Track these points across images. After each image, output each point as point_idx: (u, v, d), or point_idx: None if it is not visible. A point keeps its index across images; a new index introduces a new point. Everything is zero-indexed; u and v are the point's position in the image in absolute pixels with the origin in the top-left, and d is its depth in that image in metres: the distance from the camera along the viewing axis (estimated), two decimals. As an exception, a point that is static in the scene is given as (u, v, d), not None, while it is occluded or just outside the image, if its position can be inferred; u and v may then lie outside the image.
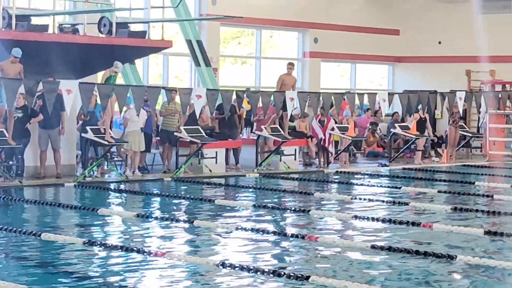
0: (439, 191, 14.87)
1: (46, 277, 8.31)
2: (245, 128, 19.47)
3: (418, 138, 20.15)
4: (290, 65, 18.77)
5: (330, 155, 18.81)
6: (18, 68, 14.90)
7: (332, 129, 18.73)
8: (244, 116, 19.19)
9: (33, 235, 10.14)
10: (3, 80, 14.29)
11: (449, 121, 20.73)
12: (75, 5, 18.18)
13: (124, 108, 15.96)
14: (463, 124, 21.71)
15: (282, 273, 8.26)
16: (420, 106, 19.77)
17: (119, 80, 17.02)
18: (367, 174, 17.66)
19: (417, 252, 9.31)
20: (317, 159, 19.04)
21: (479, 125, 22.87)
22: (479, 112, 22.24)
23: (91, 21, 16.44)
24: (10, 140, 14.73)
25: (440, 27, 24.80)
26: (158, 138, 17.50)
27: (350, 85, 25.39)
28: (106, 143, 15.69)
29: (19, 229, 10.39)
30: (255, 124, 18.86)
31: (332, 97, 18.48)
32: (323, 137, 18.69)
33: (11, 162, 15.12)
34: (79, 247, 9.61)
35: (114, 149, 16.34)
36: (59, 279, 8.22)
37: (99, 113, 16.00)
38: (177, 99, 16.75)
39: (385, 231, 11.05)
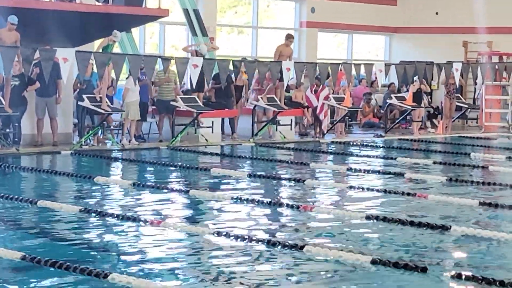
0: (434, 162, 14.92)
1: (43, 244, 8.36)
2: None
3: (414, 109, 20.17)
4: (290, 38, 18.74)
5: (321, 123, 18.78)
6: (14, 36, 14.86)
7: (327, 98, 18.72)
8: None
9: (29, 202, 10.19)
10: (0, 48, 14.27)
11: (444, 92, 20.74)
12: (71, -28, 18.07)
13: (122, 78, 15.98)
14: (459, 95, 21.73)
15: (277, 242, 8.32)
16: (416, 77, 19.77)
17: (115, 49, 16.99)
18: (362, 145, 17.71)
19: (412, 223, 9.37)
20: (313, 129, 19.08)
21: (475, 96, 22.89)
22: (476, 84, 22.26)
23: (87, -12, 16.38)
24: (7, 107, 14.75)
25: (438, -3, 24.75)
26: (154, 107, 17.52)
27: (347, 55, 25.36)
28: (103, 111, 15.70)
29: (16, 196, 10.44)
30: (252, 93, 18.85)
31: (329, 68, 18.48)
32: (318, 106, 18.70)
33: (8, 130, 15.15)
34: (76, 215, 9.67)
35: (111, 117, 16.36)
36: (55, 246, 8.28)
37: (95, 81, 15.99)
38: (174, 68, 16.74)
39: (380, 201, 11.11)
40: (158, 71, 16.94)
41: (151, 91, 17.39)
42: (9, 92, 14.85)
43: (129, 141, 16.30)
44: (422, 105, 20.58)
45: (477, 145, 17.96)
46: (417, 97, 20.22)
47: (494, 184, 12.50)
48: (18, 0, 14.99)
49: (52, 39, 15.37)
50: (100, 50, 15.94)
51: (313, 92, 18.88)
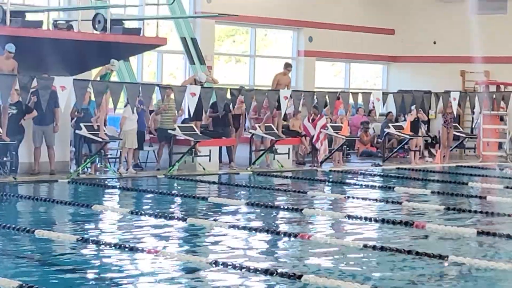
0: (432, 192, 14.90)
1: (40, 273, 8.32)
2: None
3: (412, 138, 20.18)
4: (288, 67, 18.81)
5: (317, 152, 18.77)
6: (12, 64, 14.89)
7: (324, 127, 18.71)
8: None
9: (27, 231, 10.14)
10: (-3, 76, 14.28)
11: (442, 121, 20.74)
12: (69, 1, 18.17)
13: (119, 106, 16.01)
14: (456, 124, 21.75)
15: (275, 272, 8.28)
16: (413, 107, 19.79)
17: (113, 78, 17.03)
18: (360, 174, 17.69)
19: (410, 252, 9.34)
20: (311, 158, 19.06)
21: (473, 125, 22.91)
22: (473, 113, 22.29)
23: (85, 17, 16.41)
24: (4, 136, 14.73)
25: (435, 27, 24.84)
26: (152, 135, 17.52)
27: (345, 84, 25.40)
28: (100, 140, 15.69)
29: (13, 225, 10.40)
30: (249, 122, 18.87)
31: (327, 96, 18.51)
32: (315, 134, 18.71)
33: (5, 158, 15.12)
34: (73, 244, 9.62)
35: (108, 146, 16.35)
36: (52, 275, 8.23)
37: (93, 110, 15.99)
38: (172, 96, 16.75)
39: (377, 230, 11.08)
40: (157, 100, 16.95)
41: (148, 119, 17.41)
42: (7, 120, 14.84)
43: (127, 170, 16.28)
44: (420, 134, 20.59)
45: (475, 175, 17.94)
46: (415, 126, 20.24)
47: (492, 213, 12.47)
48: (16, 29, 15.02)
49: (50, 67, 15.39)
50: (98, 79, 15.96)
51: (310, 121, 18.90)
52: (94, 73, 16.70)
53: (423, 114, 20.45)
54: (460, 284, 8.35)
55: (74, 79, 14.95)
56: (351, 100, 19.15)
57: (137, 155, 17.19)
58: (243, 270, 8.43)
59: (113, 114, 17.21)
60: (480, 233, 10.65)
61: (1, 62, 14.80)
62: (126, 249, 9.30)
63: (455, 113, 20.40)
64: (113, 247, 9.43)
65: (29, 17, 15.82)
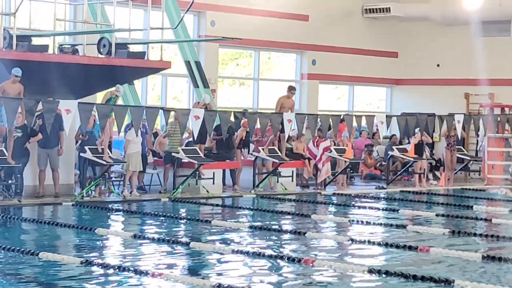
0: (437, 215, 14.87)
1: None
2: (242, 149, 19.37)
3: (416, 161, 20.17)
4: (292, 90, 18.85)
5: (318, 173, 18.76)
6: (18, 88, 14.95)
7: (327, 149, 18.73)
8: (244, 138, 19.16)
9: (31, 254, 10.14)
10: (3, 100, 14.35)
11: (445, 144, 20.73)
12: (75, 25, 18.26)
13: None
14: (461, 147, 21.74)
15: (279, 295, 8.27)
16: (418, 129, 19.80)
17: (118, 102, 17.07)
18: (364, 197, 17.66)
19: (415, 277, 9.30)
20: (315, 181, 19.06)
21: (478, 148, 22.90)
22: (478, 136, 22.28)
23: (90, 41, 16.51)
24: (9, 159, 14.77)
25: (439, 49, 24.91)
26: (155, 158, 17.55)
27: (348, 107, 25.45)
28: (104, 163, 15.72)
29: (18, 248, 10.40)
30: (252, 145, 18.90)
31: (330, 119, 18.53)
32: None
33: (10, 181, 15.15)
34: (77, 267, 9.62)
35: (112, 169, 16.38)
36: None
37: (97, 133, 16.04)
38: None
39: (382, 254, 11.05)
40: (169, 122, 16.95)
41: (149, 142, 17.45)
42: (12, 143, 14.89)
43: (131, 193, 16.29)
44: (424, 157, 20.57)
45: (480, 198, 17.90)
46: (419, 149, 20.23)
47: (498, 237, 12.44)
48: (22, 53, 15.10)
49: (55, 90, 15.46)
50: (104, 103, 16.02)
51: (315, 144, 18.91)
52: (99, 97, 16.77)
53: (427, 136, 20.44)
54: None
55: (79, 103, 15.02)
56: (354, 123, 19.16)
57: (142, 178, 17.21)
58: (247, 294, 8.41)
59: (118, 137, 17.26)
60: (485, 257, 10.61)
61: (7, 86, 14.87)
62: (130, 272, 9.29)
63: (459, 135, 20.40)
64: (117, 270, 9.42)
65: (35, 41, 15.91)
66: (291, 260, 10.26)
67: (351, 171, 20.14)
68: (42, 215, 14.21)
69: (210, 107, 18.19)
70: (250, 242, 11.88)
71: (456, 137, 20.46)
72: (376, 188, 19.30)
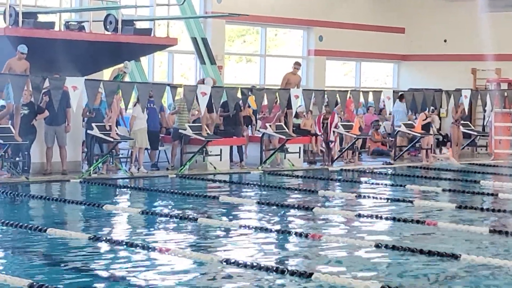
0: (443, 190, 14.88)
1: (52, 271, 8.36)
2: (249, 126, 19.37)
3: (423, 137, 20.15)
4: (297, 65, 18.81)
5: (330, 151, 18.78)
6: (24, 65, 14.95)
7: (336, 126, 18.74)
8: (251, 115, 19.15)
9: (39, 230, 10.20)
10: (10, 77, 14.36)
11: (452, 120, 20.70)
12: (81, 2, 18.24)
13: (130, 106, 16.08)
14: (468, 123, 21.71)
15: (285, 270, 8.30)
16: (431, 108, 19.76)
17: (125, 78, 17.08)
18: (371, 172, 17.68)
19: (421, 251, 9.33)
20: (322, 157, 19.07)
21: (485, 123, 22.86)
22: (485, 111, 22.24)
23: (97, 18, 16.49)
24: (16, 136, 14.81)
25: (446, 25, 24.80)
26: (163, 135, 17.56)
27: (355, 83, 25.40)
28: (111, 140, 15.75)
29: (26, 225, 10.46)
30: (259, 121, 18.90)
31: (337, 95, 18.51)
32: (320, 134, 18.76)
33: (17, 158, 15.20)
34: (85, 243, 9.67)
35: (119, 146, 16.41)
36: (64, 274, 8.28)
37: (104, 110, 16.05)
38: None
39: (389, 229, 11.08)
40: (177, 99, 16.95)
41: (163, 119, 17.47)
42: (19, 120, 14.92)
43: (138, 169, 16.33)
44: (431, 132, 20.53)
45: (487, 172, 17.90)
46: (426, 125, 20.19)
47: (504, 211, 12.45)
48: (28, 30, 15.08)
49: (61, 68, 15.45)
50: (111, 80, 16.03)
51: (321, 122, 18.86)
52: (106, 74, 16.76)
53: (435, 116, 20.33)
54: (472, 283, 8.33)
55: (85, 80, 15.02)
56: (361, 99, 19.13)
57: (154, 155, 17.23)
58: (254, 268, 8.45)
59: (126, 114, 17.28)
60: (492, 231, 10.63)
61: (14, 63, 14.88)
62: (138, 248, 9.33)
63: (466, 111, 20.36)
64: (125, 246, 9.47)
65: (41, 18, 15.87)
66: (298, 235, 10.30)
67: (358, 147, 20.12)
68: (50, 192, 14.26)
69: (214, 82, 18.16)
70: (257, 218, 11.92)
71: (463, 113, 20.41)
72: (383, 164, 19.30)
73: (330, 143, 18.79)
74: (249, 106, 18.40)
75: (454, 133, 20.64)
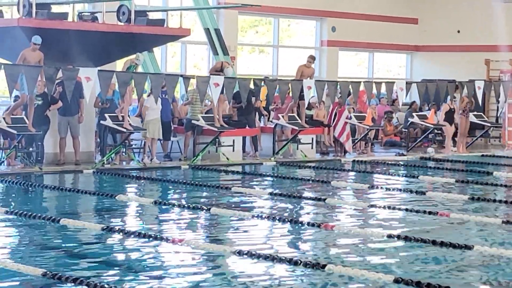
0: (456, 181, 14.85)
1: (65, 261, 8.40)
2: (260, 118, 19.35)
3: (436, 128, 20.08)
4: (311, 59, 18.76)
5: (343, 145, 18.75)
6: (38, 55, 15.00)
7: (349, 117, 18.71)
8: (264, 106, 19.13)
9: (52, 220, 10.25)
10: (23, 68, 14.41)
11: (460, 111, 20.59)
12: (94, -7, 18.23)
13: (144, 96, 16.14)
14: (481, 114, 21.62)
15: (299, 261, 8.31)
16: (449, 97, 19.66)
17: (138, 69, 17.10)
18: (384, 163, 17.65)
19: (434, 242, 9.32)
20: (334, 148, 19.06)
21: (498, 115, 22.78)
22: (498, 102, 22.16)
23: (110, 9, 16.51)
24: (30, 127, 14.86)
25: (459, 16, 24.70)
26: (175, 126, 17.59)
27: (368, 74, 25.35)
28: (124, 130, 15.78)
29: (39, 215, 10.51)
30: (272, 112, 18.89)
31: (350, 86, 18.47)
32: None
33: (31, 149, 15.26)
34: (98, 233, 9.71)
35: (132, 136, 16.45)
36: (77, 264, 8.31)
37: (117, 100, 16.09)
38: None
39: (401, 220, 11.07)
40: (189, 90, 16.96)
41: (175, 109, 17.50)
42: (33, 111, 14.97)
43: (151, 160, 16.36)
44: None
45: (500, 164, 17.85)
46: (450, 116, 20.00)
47: (517, 202, 12.42)
48: (42, 21, 15.12)
49: (75, 58, 15.50)
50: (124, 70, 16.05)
51: (335, 110, 18.84)
52: (118, 64, 16.78)
53: (453, 105, 20.22)
54: (485, 274, 8.33)
55: (98, 70, 15.05)
56: (374, 90, 19.10)
57: (167, 146, 17.27)
58: (267, 259, 8.46)
59: (133, 104, 17.30)
60: (505, 222, 10.61)
61: (27, 54, 14.92)
62: (151, 238, 9.36)
63: (480, 101, 20.24)
64: (138, 236, 9.50)
65: (55, 9, 15.93)
66: (310, 225, 10.30)
67: (370, 138, 20.07)
68: (63, 182, 14.32)
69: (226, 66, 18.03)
70: (270, 208, 11.94)
71: (471, 103, 20.32)
72: (396, 155, 19.27)
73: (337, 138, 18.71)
74: (259, 100, 18.40)
75: (461, 124, 20.52)
